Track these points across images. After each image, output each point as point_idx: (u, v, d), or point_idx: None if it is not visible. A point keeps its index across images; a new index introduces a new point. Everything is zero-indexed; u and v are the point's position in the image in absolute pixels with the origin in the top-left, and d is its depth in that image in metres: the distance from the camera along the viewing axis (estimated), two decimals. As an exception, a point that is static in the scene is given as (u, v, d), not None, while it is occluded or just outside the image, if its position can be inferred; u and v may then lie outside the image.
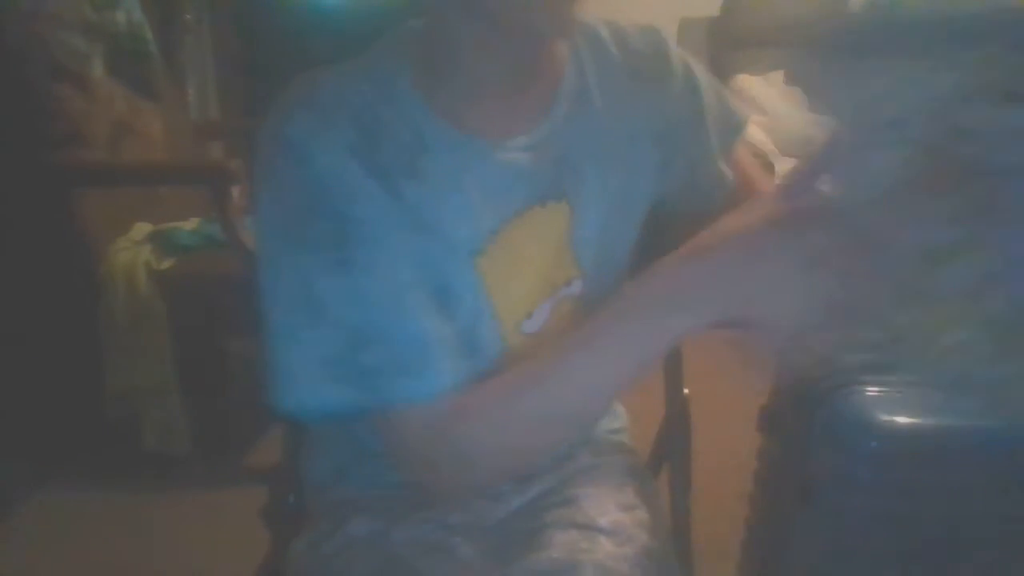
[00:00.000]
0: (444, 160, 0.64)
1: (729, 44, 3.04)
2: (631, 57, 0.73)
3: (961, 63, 0.37)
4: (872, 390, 1.09)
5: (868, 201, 0.42)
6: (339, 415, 0.61)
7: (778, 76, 2.91)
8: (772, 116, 2.77)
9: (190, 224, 1.93)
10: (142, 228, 1.88)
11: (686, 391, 0.94)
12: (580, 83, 0.70)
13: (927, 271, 0.41)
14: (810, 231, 0.48)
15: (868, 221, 0.42)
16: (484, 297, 0.67)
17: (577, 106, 0.70)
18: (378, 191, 0.61)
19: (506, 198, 0.66)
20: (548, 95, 0.69)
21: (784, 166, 2.60)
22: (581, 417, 0.64)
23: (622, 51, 0.73)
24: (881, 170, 0.41)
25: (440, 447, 0.59)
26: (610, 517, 0.75)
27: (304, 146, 0.60)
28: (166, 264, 1.80)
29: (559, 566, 0.68)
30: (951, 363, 0.45)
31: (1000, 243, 0.40)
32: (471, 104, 0.65)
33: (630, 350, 0.56)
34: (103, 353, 1.78)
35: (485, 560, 0.71)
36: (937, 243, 0.41)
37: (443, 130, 0.64)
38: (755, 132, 2.67)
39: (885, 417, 1.06)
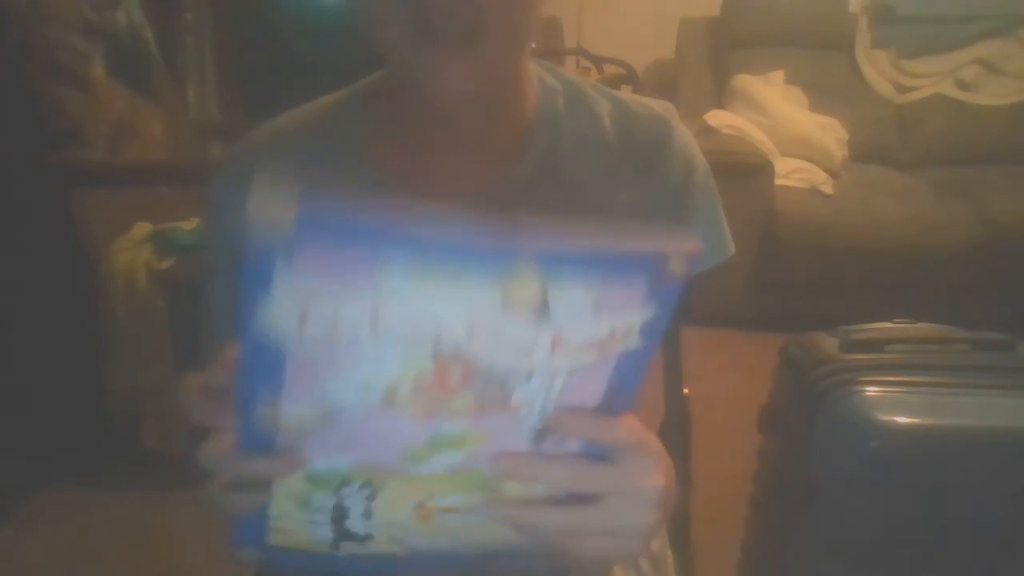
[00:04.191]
0: None
1: (729, 44, 3.04)
2: (626, 141, 0.68)
3: (485, 283, 0.41)
4: (872, 390, 1.09)
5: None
6: None
7: (778, 76, 2.91)
8: (772, 116, 2.77)
9: (190, 224, 1.93)
10: (142, 228, 1.88)
11: (686, 391, 0.94)
12: (546, 169, 0.65)
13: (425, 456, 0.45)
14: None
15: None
16: None
17: (540, 192, 0.65)
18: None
19: None
20: (503, 172, 0.65)
21: (784, 166, 2.60)
22: None
23: (619, 133, 0.68)
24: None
25: None
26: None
27: (221, 206, 0.66)
28: (166, 264, 1.79)
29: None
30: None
31: (494, 433, 0.45)
32: (420, 172, 0.64)
33: None
34: (103, 353, 1.78)
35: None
36: (440, 435, 0.44)
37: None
38: (755, 132, 2.67)
39: (885, 417, 1.06)
